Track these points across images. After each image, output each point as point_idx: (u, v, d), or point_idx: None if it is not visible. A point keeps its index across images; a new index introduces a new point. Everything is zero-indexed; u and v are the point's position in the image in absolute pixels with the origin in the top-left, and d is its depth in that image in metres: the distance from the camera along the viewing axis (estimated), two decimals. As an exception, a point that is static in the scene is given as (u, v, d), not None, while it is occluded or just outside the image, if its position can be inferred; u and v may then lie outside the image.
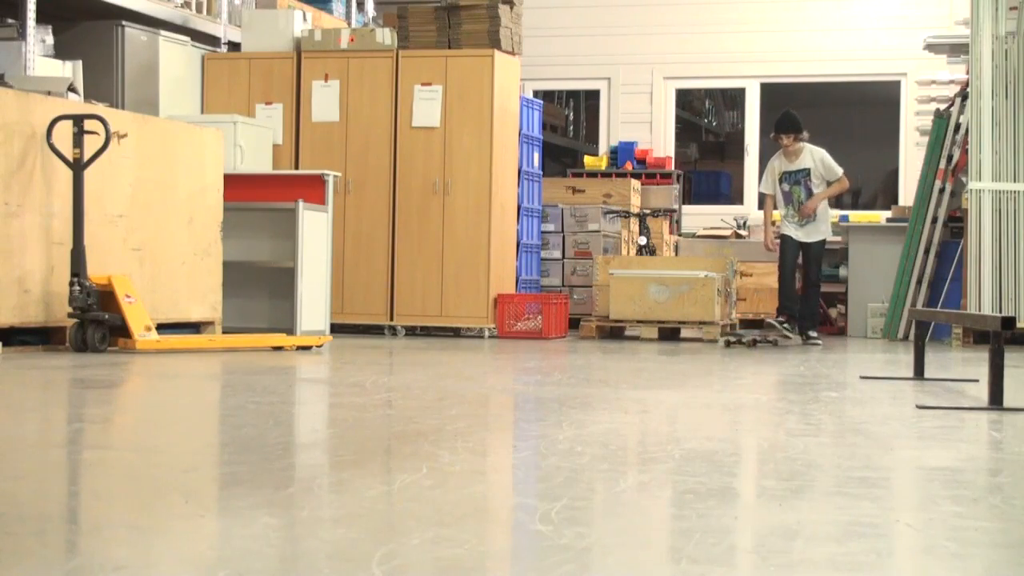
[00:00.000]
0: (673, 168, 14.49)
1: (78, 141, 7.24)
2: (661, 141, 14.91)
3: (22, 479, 3.04)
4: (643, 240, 12.42)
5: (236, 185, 9.03)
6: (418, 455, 3.39)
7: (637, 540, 2.40)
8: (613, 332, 10.50)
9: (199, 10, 10.62)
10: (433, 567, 2.14)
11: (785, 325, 10.13)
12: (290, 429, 4.11)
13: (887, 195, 14.48)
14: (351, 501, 2.69)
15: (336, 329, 9.90)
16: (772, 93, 14.69)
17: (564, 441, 3.70)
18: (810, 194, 10.27)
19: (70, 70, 8.88)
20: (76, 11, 9.65)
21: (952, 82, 12.28)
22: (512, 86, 10.46)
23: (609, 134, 15.04)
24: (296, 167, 10.30)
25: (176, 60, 10.15)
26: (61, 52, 9.26)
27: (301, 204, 8.92)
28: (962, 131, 10.86)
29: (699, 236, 13.60)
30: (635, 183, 13.46)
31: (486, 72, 10.04)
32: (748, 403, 5.20)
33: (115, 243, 7.75)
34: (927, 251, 10.99)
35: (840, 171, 10.38)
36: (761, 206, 11.41)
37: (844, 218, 13.12)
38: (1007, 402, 4.93)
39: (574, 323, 11.10)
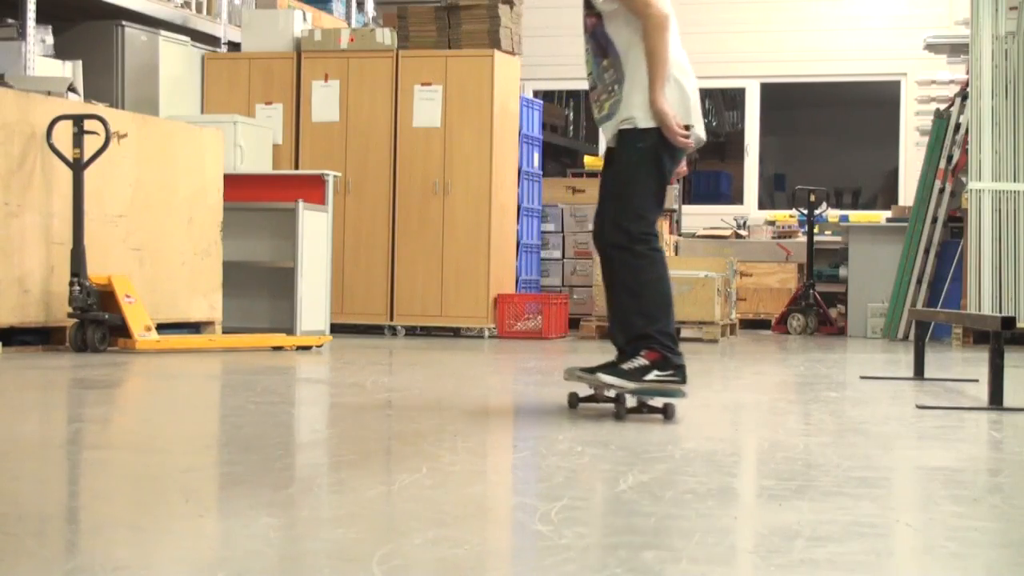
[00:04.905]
0: (673, 168, 14.47)
1: (78, 141, 7.23)
2: (661, 141, 14.88)
3: (22, 479, 3.04)
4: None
5: (236, 185, 9.02)
6: (418, 455, 3.39)
7: (637, 540, 2.40)
8: (613, 332, 10.47)
9: (199, 10, 10.62)
10: (433, 567, 2.14)
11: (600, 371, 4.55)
12: (290, 429, 4.11)
13: (887, 195, 14.48)
14: (351, 501, 2.69)
15: (336, 329, 9.89)
16: (772, 93, 14.69)
17: (564, 441, 3.70)
18: (605, 57, 4.84)
19: (70, 70, 8.88)
20: (76, 11, 9.64)
21: (952, 82, 12.28)
22: (512, 86, 10.45)
23: (609, 134, 15.01)
24: (296, 167, 10.29)
25: (176, 60, 10.15)
26: (61, 52, 9.25)
27: (301, 204, 8.91)
28: (962, 131, 10.85)
29: (699, 236, 13.60)
30: (635, 183, 13.44)
31: (486, 72, 10.04)
32: (748, 403, 5.20)
33: (115, 243, 7.75)
34: (927, 251, 10.98)
35: None
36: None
37: (844, 218, 13.12)
38: (1007, 402, 4.93)
39: (574, 323, 11.09)
